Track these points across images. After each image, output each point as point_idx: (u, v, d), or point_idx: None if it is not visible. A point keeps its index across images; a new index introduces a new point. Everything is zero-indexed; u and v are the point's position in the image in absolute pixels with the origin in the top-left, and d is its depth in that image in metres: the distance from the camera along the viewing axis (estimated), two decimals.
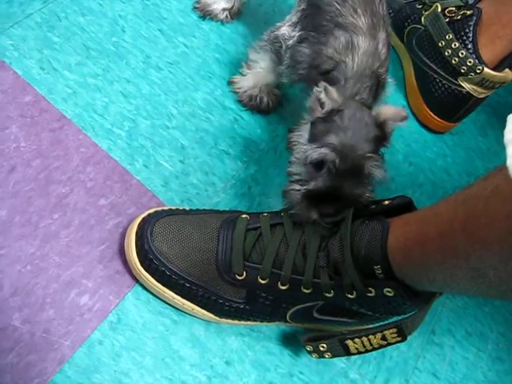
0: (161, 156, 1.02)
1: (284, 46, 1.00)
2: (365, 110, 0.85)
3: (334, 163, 0.80)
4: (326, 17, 0.93)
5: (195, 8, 1.21)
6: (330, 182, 0.82)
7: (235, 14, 1.24)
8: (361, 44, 0.90)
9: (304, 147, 0.85)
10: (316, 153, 0.82)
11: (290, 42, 0.99)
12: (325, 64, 0.91)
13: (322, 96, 0.84)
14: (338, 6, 0.93)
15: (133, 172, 0.99)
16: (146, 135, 1.03)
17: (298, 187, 0.84)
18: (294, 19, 1.01)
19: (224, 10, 1.21)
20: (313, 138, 0.85)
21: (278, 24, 1.02)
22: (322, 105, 0.85)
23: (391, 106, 0.87)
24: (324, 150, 0.81)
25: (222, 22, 1.22)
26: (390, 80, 0.96)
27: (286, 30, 1.01)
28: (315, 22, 0.95)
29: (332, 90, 0.84)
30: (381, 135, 0.84)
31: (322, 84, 0.84)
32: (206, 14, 1.21)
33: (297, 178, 0.86)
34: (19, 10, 1.06)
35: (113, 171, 0.97)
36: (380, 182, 0.85)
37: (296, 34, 0.99)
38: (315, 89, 0.85)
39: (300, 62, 0.96)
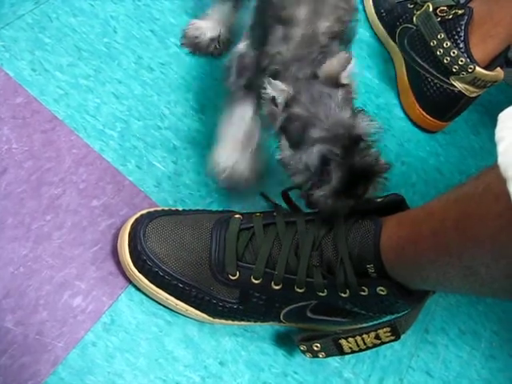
0: (153, 157, 1.02)
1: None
2: (315, 83, 0.81)
3: (337, 153, 0.78)
4: (270, 13, 0.88)
5: (183, 44, 1.17)
6: (344, 168, 0.79)
7: (225, 44, 1.17)
8: (296, 34, 0.85)
9: (296, 157, 0.82)
10: (312, 156, 0.79)
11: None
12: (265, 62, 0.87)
13: (269, 91, 0.81)
14: None
15: (125, 173, 0.98)
16: (139, 136, 1.03)
17: (321, 192, 0.80)
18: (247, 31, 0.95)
19: (212, 40, 1.15)
20: (294, 143, 0.82)
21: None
22: (275, 103, 0.82)
23: (332, 59, 0.83)
24: (318, 149, 0.78)
25: (212, 55, 1.17)
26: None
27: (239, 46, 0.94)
28: (262, 19, 0.90)
29: (276, 82, 0.81)
30: (345, 92, 0.82)
31: (265, 81, 0.81)
32: (195, 48, 1.16)
33: (308, 184, 0.82)
34: (10, 11, 1.05)
35: (105, 172, 0.97)
36: (379, 135, 0.82)
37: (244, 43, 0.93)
38: (262, 91, 0.82)
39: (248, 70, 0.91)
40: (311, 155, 0.79)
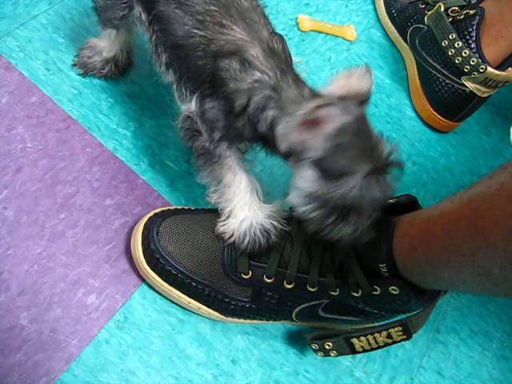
0: (166, 156, 1.02)
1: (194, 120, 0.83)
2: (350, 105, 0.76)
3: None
4: (197, 53, 0.80)
5: (74, 66, 1.05)
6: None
7: (122, 67, 1.06)
8: (254, 53, 0.78)
9: (330, 189, 0.74)
10: (361, 188, 0.73)
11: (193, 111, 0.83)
12: (240, 100, 0.78)
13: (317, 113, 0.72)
14: (200, 32, 0.79)
15: (138, 172, 0.99)
16: (152, 135, 1.03)
17: (348, 229, 0.77)
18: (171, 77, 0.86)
19: (107, 61, 1.03)
20: (333, 175, 0.74)
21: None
22: (317, 122, 0.73)
23: (342, 77, 0.78)
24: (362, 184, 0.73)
25: (106, 78, 1.06)
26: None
27: (186, 107, 0.84)
28: (189, 67, 0.82)
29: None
30: (363, 105, 0.78)
31: (308, 106, 0.74)
32: (87, 70, 1.04)
33: (329, 220, 0.76)
34: (25, 11, 1.06)
35: (119, 171, 0.98)
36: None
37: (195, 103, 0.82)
38: (298, 113, 0.75)
39: (217, 121, 0.81)
40: (359, 188, 0.73)
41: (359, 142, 0.74)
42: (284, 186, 1.03)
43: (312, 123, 0.73)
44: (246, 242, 0.85)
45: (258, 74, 0.78)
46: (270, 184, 1.06)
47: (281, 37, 0.82)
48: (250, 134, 0.81)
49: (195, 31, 0.80)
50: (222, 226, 0.87)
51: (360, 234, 0.77)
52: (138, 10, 0.87)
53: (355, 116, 0.74)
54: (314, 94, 0.78)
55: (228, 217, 0.87)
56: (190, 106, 0.83)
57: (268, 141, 0.81)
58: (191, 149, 0.84)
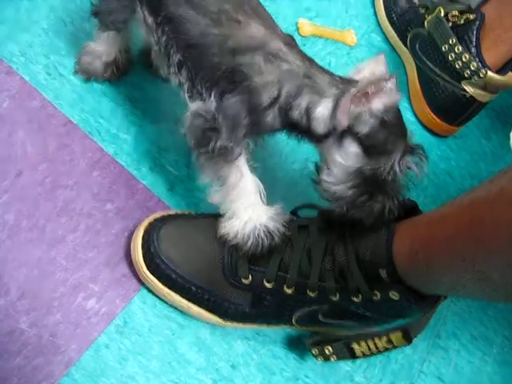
0: (166, 160, 1.02)
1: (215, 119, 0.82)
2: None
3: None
4: (212, 51, 0.80)
5: (76, 72, 1.04)
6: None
7: (123, 68, 1.06)
8: (277, 46, 0.81)
9: (371, 164, 0.79)
10: (395, 167, 0.79)
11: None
12: (269, 92, 0.79)
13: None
14: (215, 30, 0.80)
15: (139, 177, 0.99)
16: (152, 140, 1.03)
17: (378, 203, 0.81)
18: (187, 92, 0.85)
19: (108, 65, 1.03)
20: (376, 152, 0.79)
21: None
22: (367, 98, 0.76)
23: (366, 64, 0.81)
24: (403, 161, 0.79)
25: (110, 80, 1.05)
26: None
27: (197, 105, 0.84)
28: (204, 65, 0.82)
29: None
30: None
31: (362, 82, 0.77)
32: (89, 75, 1.04)
33: (364, 196, 0.81)
34: (26, 16, 1.06)
35: (119, 176, 0.98)
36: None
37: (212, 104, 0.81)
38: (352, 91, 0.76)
39: (241, 117, 0.80)
40: (398, 164, 0.79)
41: (399, 122, 0.79)
42: (284, 189, 1.03)
43: (363, 98, 0.76)
44: (249, 243, 0.85)
45: (285, 65, 0.80)
46: (271, 186, 1.06)
47: (290, 35, 0.85)
48: (280, 124, 0.82)
49: (210, 29, 0.80)
50: (225, 226, 0.86)
51: (387, 212, 0.80)
52: (142, 12, 0.87)
53: (398, 97, 0.78)
54: (346, 80, 0.80)
55: (231, 218, 0.86)
56: (203, 104, 0.82)
57: (299, 127, 0.82)
58: (201, 148, 0.82)
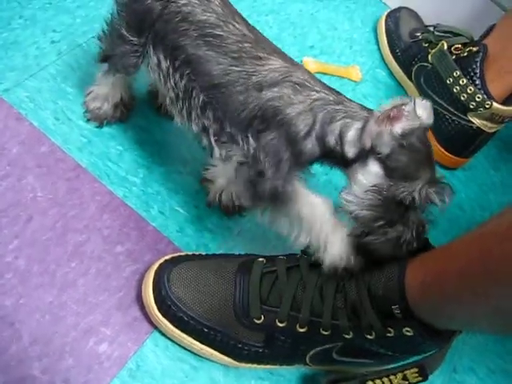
0: (175, 202, 1.03)
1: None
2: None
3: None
4: (236, 89, 0.82)
5: (88, 120, 1.06)
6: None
7: (130, 106, 1.08)
8: (301, 76, 0.83)
9: (391, 186, 0.79)
10: (418, 193, 0.78)
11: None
12: (305, 121, 0.81)
13: (409, 109, 0.76)
14: (237, 68, 0.82)
15: (148, 219, 0.99)
16: (161, 181, 1.04)
17: (393, 233, 0.80)
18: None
19: (116, 106, 1.05)
20: (401, 175, 0.79)
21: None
22: (392, 119, 0.77)
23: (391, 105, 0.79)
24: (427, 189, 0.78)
25: (121, 120, 1.07)
26: None
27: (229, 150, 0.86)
28: (229, 105, 0.83)
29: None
30: None
31: (392, 102, 0.77)
32: (102, 120, 1.06)
33: (378, 222, 0.80)
34: (34, 62, 1.08)
35: (129, 218, 0.98)
36: None
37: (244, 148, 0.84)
38: (382, 106, 0.78)
39: (281, 151, 0.81)
40: (418, 192, 0.78)
41: (424, 148, 0.79)
42: None
43: (386, 120, 0.77)
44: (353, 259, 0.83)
45: (315, 94, 0.81)
46: None
47: None
48: (318, 152, 0.83)
49: (232, 68, 0.82)
50: (327, 259, 0.83)
51: (403, 243, 0.80)
52: (156, 57, 0.88)
53: (424, 123, 0.78)
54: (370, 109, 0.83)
55: (326, 248, 0.84)
56: (239, 149, 0.84)
57: (333, 154, 0.82)
58: (259, 202, 0.83)
